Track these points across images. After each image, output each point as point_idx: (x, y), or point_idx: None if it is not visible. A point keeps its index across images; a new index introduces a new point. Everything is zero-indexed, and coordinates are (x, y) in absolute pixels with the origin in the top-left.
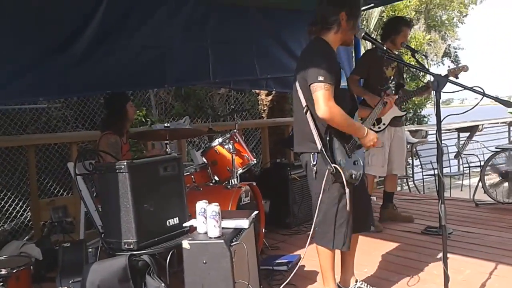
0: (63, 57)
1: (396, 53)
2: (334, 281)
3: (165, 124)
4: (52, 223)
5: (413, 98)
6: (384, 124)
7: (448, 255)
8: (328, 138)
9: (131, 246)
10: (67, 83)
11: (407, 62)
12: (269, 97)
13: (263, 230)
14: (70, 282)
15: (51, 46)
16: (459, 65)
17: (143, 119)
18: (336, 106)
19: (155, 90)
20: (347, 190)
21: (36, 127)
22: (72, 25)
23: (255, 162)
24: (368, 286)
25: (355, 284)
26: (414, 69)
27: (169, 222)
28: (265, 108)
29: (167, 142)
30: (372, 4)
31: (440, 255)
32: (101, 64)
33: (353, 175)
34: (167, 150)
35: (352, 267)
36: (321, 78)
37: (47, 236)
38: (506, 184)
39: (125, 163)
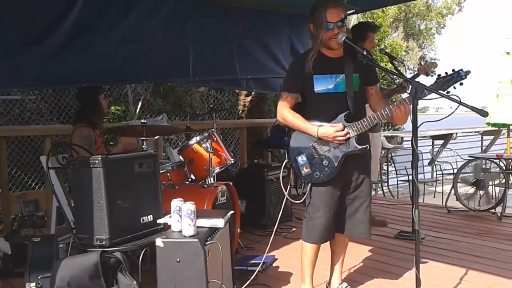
0: (39, 48)
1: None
2: (310, 280)
3: (142, 120)
4: (22, 217)
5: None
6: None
7: (420, 260)
8: (292, 136)
9: (103, 243)
10: (42, 75)
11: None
12: (249, 98)
13: (238, 230)
14: (39, 277)
15: (27, 37)
16: (428, 62)
17: (122, 114)
18: (287, 112)
19: (133, 86)
20: (308, 187)
21: (9, 118)
22: (49, 17)
23: (233, 161)
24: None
25: (338, 287)
26: (393, 75)
27: (143, 220)
28: (244, 109)
29: (144, 138)
30: (353, 10)
31: (412, 259)
32: (78, 57)
33: (315, 174)
34: (144, 147)
35: (337, 269)
36: (281, 87)
37: (17, 230)
38: (477, 192)
39: (100, 158)
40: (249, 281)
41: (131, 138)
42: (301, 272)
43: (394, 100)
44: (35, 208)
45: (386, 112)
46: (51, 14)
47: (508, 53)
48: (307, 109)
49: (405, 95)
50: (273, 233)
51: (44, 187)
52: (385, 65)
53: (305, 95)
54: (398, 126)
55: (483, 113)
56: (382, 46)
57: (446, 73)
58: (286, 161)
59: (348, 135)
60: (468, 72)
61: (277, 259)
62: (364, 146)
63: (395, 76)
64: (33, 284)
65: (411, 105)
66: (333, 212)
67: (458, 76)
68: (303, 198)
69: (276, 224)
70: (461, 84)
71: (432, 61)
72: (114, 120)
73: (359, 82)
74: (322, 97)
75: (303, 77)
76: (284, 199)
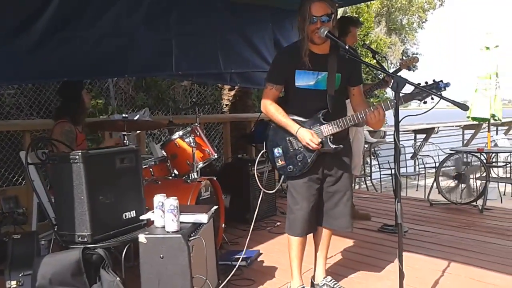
0: (18, 41)
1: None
2: (298, 274)
3: (123, 115)
4: (2, 214)
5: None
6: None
7: (403, 252)
8: (270, 127)
9: (85, 239)
10: (21, 68)
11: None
12: (232, 92)
13: (223, 225)
14: (20, 275)
15: (5, 30)
16: (410, 57)
17: (102, 108)
18: (270, 104)
19: (114, 80)
20: (281, 179)
21: None
22: (28, 10)
23: (216, 156)
24: (334, 282)
25: (322, 281)
26: (375, 70)
27: (125, 215)
28: (227, 103)
29: (125, 133)
30: (336, 5)
31: (396, 252)
32: (58, 51)
33: (289, 167)
34: (125, 141)
35: (321, 262)
36: (265, 79)
37: None
38: (459, 185)
39: (80, 153)
40: (231, 275)
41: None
42: (290, 266)
43: (377, 94)
44: (15, 204)
45: (361, 116)
46: (30, 7)
47: (487, 48)
48: (288, 102)
49: (388, 90)
50: (252, 226)
51: (25, 183)
52: (370, 60)
53: (287, 89)
54: None
55: (463, 107)
56: (368, 42)
57: (426, 82)
58: (263, 151)
59: (319, 146)
60: (447, 84)
61: (262, 253)
62: (337, 146)
63: (378, 71)
64: (13, 282)
65: (392, 106)
66: (312, 205)
67: (437, 87)
68: (276, 189)
69: (254, 217)
70: (440, 95)
71: (414, 56)
72: (95, 115)
73: (340, 81)
74: (302, 92)
75: (287, 70)
76: (261, 193)
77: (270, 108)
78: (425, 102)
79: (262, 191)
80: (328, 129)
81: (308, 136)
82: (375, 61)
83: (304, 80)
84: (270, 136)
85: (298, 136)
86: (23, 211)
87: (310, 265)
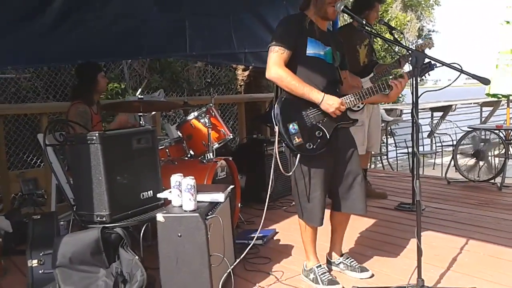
0: (33, 25)
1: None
2: (314, 255)
3: (139, 96)
4: (22, 196)
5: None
6: (361, 103)
7: (421, 230)
8: (282, 101)
9: (104, 219)
10: (36, 52)
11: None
12: (246, 72)
13: (239, 205)
14: (41, 254)
15: (20, 14)
16: (425, 41)
17: (119, 91)
18: (284, 69)
19: (129, 62)
20: (296, 159)
21: (5, 97)
22: None
23: (232, 137)
24: (351, 260)
25: (339, 259)
26: (394, 45)
27: (143, 195)
28: (241, 84)
29: (141, 114)
30: None
31: (413, 230)
32: (72, 34)
33: (308, 144)
34: (141, 122)
35: (337, 241)
36: (273, 42)
37: (17, 209)
38: (477, 162)
39: (97, 134)
40: (244, 253)
41: (125, 117)
42: (304, 249)
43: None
44: (34, 186)
45: (383, 86)
46: None
47: (508, 22)
48: (296, 73)
49: (406, 68)
50: (266, 205)
51: (44, 165)
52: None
53: (293, 58)
54: (397, 98)
55: (484, 80)
56: (386, 19)
57: None
58: (277, 127)
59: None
60: (435, 64)
61: (278, 232)
62: (355, 119)
63: (397, 49)
64: (35, 261)
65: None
66: (326, 189)
67: (429, 67)
68: (293, 170)
69: (267, 196)
70: (461, 70)
71: (428, 40)
72: (113, 97)
73: (340, 59)
74: (313, 61)
75: (298, 35)
76: (271, 173)
77: (284, 74)
78: (422, 80)
79: (272, 171)
80: (349, 100)
81: (337, 102)
82: (392, 37)
83: (315, 49)
84: (281, 111)
85: (325, 104)
86: (42, 193)
87: (325, 243)
